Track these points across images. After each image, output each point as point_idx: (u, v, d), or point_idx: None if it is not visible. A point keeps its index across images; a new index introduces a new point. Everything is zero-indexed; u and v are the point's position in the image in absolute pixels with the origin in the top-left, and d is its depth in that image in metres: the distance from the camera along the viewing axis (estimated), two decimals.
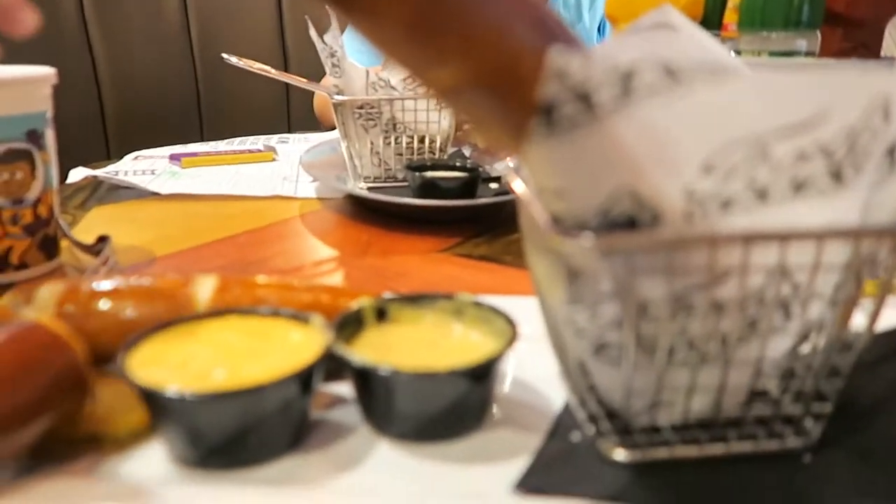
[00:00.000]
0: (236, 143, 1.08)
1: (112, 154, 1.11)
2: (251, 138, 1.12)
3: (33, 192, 0.53)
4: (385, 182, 0.79)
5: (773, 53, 0.55)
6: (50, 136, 0.54)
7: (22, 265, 0.53)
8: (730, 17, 0.58)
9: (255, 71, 0.79)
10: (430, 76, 0.22)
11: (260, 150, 0.97)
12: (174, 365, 0.32)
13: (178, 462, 0.31)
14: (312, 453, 0.32)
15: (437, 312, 0.38)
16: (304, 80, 0.83)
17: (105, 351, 0.34)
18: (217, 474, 0.30)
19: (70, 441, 0.31)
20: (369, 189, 0.76)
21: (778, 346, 0.30)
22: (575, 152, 0.22)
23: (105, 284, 0.37)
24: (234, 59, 0.79)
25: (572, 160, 0.22)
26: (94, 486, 0.29)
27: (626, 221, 0.25)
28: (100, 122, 1.25)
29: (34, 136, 0.52)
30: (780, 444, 0.32)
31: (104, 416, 0.31)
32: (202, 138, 1.29)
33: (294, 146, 1.05)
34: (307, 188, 0.81)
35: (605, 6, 0.71)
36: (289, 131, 1.31)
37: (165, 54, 1.33)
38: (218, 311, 0.36)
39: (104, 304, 0.36)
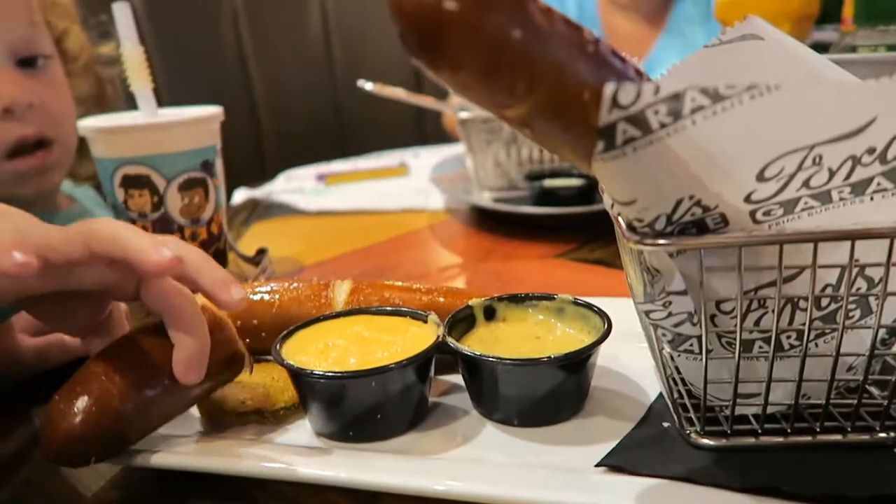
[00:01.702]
0: (374, 159, 1.17)
1: (268, 173, 1.24)
2: (388, 153, 1.22)
3: (207, 213, 0.63)
4: (507, 192, 0.83)
5: (890, 48, 0.53)
6: (219, 165, 0.64)
7: None
8: (848, 11, 0.57)
9: (388, 96, 0.87)
10: (504, 113, 0.26)
11: (394, 167, 1.06)
12: (317, 353, 0.38)
13: (320, 434, 0.37)
14: (430, 431, 0.37)
15: (540, 311, 0.42)
16: (433, 99, 0.90)
17: (265, 343, 0.42)
18: (351, 446, 0.36)
19: (240, 415, 0.38)
20: (492, 199, 0.81)
21: (861, 341, 0.32)
22: (636, 168, 0.26)
23: (261, 294, 0.45)
24: (368, 86, 0.88)
25: (635, 175, 0.26)
26: (258, 450, 0.36)
27: (696, 225, 0.28)
28: (258, 146, 1.40)
29: (207, 166, 0.62)
30: (870, 436, 0.33)
31: (264, 395, 0.39)
32: (345, 154, 1.41)
33: (425, 160, 1.12)
34: (436, 200, 0.87)
35: (716, 10, 0.71)
36: (424, 143, 1.39)
37: (311, 82, 1.47)
38: (352, 310, 0.43)
39: (265, 311, 0.44)
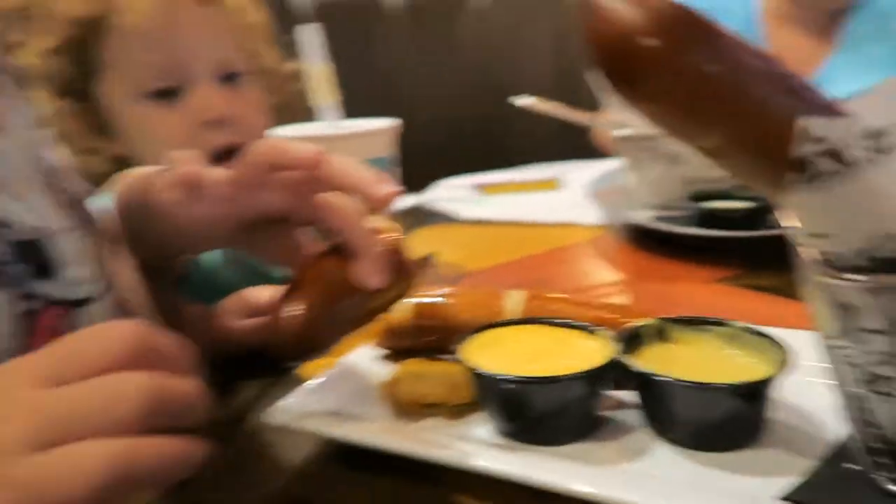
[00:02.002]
0: (530, 171, 1.19)
1: (430, 181, 1.30)
2: (543, 166, 1.23)
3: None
4: (667, 210, 0.82)
5: None
6: (396, 175, 0.69)
7: None
8: None
9: (539, 111, 0.89)
10: (699, 142, 0.27)
11: (549, 179, 1.07)
12: (494, 356, 0.41)
13: (496, 432, 0.40)
14: (601, 442, 0.38)
15: (713, 336, 0.42)
16: (588, 115, 0.91)
17: (440, 343, 0.45)
18: (524, 447, 0.38)
19: (422, 407, 0.42)
20: (651, 218, 0.80)
21: None
22: (832, 201, 0.26)
23: (442, 297, 0.48)
24: (522, 101, 0.90)
25: (830, 208, 0.26)
26: (439, 438, 0.39)
27: (892, 261, 0.28)
28: (421, 155, 1.47)
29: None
30: None
31: (444, 392, 0.42)
32: (493, 166, 1.44)
33: (578, 174, 1.13)
34: (592, 215, 0.88)
35: None
36: (576, 157, 1.39)
37: (461, 91, 1.52)
38: (525, 319, 0.45)
39: (444, 312, 0.47)
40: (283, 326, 0.38)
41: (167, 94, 0.70)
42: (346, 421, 0.41)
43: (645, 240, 0.77)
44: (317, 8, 1.39)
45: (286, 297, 0.38)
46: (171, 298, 0.55)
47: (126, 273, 0.54)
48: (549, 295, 0.48)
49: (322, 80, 0.66)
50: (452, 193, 1.05)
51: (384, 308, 0.42)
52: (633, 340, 0.42)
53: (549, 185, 1.06)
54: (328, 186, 0.40)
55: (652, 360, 0.41)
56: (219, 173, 0.41)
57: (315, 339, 0.39)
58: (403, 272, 0.41)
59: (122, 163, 0.76)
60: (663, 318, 0.43)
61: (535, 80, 1.55)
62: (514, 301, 0.48)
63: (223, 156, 0.74)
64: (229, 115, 0.71)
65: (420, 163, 1.49)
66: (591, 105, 1.13)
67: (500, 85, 1.53)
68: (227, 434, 0.44)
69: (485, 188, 1.03)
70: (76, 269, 0.43)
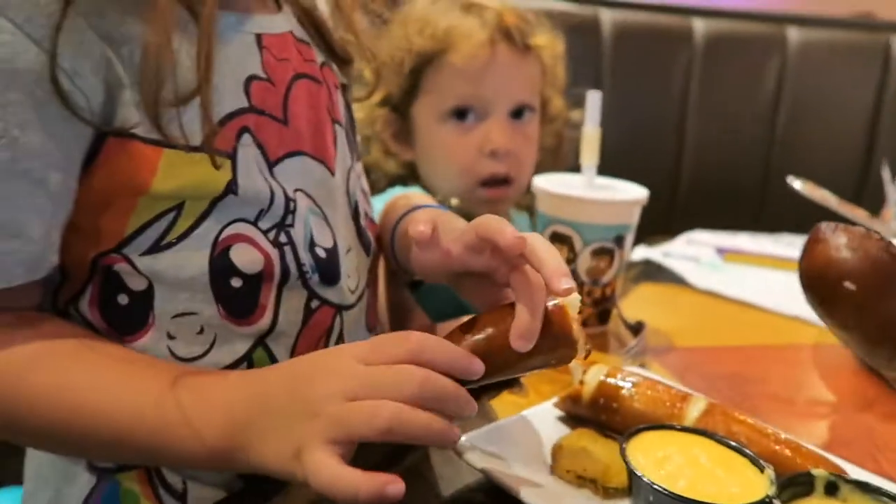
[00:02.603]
0: (784, 242, 1.14)
1: (675, 224, 1.29)
2: (799, 240, 1.16)
3: (606, 277, 0.73)
4: None
5: None
6: (629, 239, 0.73)
7: (583, 324, 0.74)
8: None
9: (816, 199, 0.85)
10: (880, 369, 0.28)
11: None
12: (655, 460, 0.45)
13: None
14: None
15: None
16: (866, 213, 0.85)
17: (615, 426, 0.50)
18: None
19: (578, 478, 0.47)
20: None
21: None
22: None
23: (629, 382, 0.52)
24: (797, 184, 0.87)
25: None
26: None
27: None
28: (671, 195, 1.46)
29: (620, 240, 0.72)
30: None
31: (600, 471, 0.47)
32: (759, 222, 1.38)
33: None
34: None
35: None
36: None
37: (747, 143, 1.46)
38: (698, 430, 0.48)
39: (624, 399, 0.52)
40: None
41: (465, 118, 0.84)
42: (506, 465, 0.48)
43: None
44: (617, 26, 1.43)
45: (460, 328, 0.46)
46: (406, 300, 0.67)
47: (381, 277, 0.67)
48: (735, 414, 0.50)
49: (591, 142, 0.73)
50: (691, 251, 1.05)
51: (536, 368, 0.47)
52: (796, 486, 0.43)
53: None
54: (525, 262, 0.47)
55: None
56: (448, 237, 0.50)
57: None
58: (563, 341, 0.46)
59: (410, 168, 0.91)
60: (839, 475, 0.44)
61: (829, 146, 1.44)
62: (697, 408, 0.51)
63: (491, 182, 0.86)
64: (510, 149, 0.83)
65: (679, 207, 1.48)
66: (876, 200, 1.04)
67: (790, 142, 1.45)
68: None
69: (726, 254, 1.01)
70: (349, 281, 0.56)
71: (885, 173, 0.75)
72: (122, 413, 0.42)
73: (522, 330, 0.43)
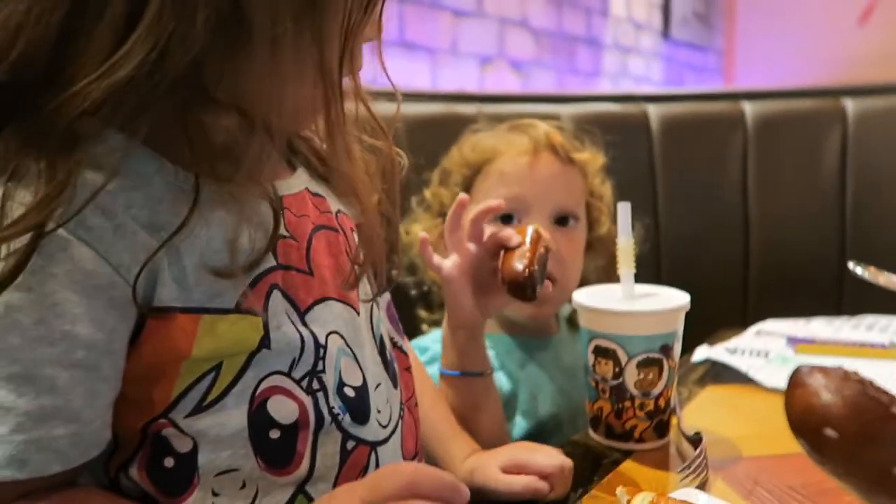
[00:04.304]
0: (863, 327, 1.07)
1: (749, 316, 1.24)
2: (883, 321, 1.09)
3: (658, 389, 0.71)
4: None
5: None
6: (677, 347, 0.72)
7: (640, 440, 0.72)
8: None
9: (880, 284, 0.81)
10: None
11: (883, 346, 0.95)
12: None
13: None
14: None
15: None
16: None
17: None
18: None
19: None
20: None
21: None
22: None
23: None
24: (859, 270, 0.83)
25: None
26: None
27: None
28: (742, 286, 1.41)
29: (666, 349, 0.71)
30: None
31: None
32: (840, 307, 1.31)
33: None
34: None
35: None
36: None
37: (816, 221, 1.40)
38: None
39: None
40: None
41: (508, 220, 0.87)
42: None
43: None
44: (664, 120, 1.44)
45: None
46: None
47: None
48: None
49: (626, 252, 0.73)
50: (760, 344, 1.00)
51: None
52: None
53: (886, 353, 0.94)
54: None
55: None
56: None
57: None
58: None
59: None
60: None
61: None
62: None
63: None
64: (553, 246, 0.84)
65: (752, 294, 1.42)
66: None
67: (863, 217, 1.39)
68: None
69: (798, 346, 0.96)
70: (381, 416, 0.58)
71: None
72: None
73: None
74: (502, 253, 0.71)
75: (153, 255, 0.45)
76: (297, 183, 0.58)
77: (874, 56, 3.44)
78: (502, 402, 0.81)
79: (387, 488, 0.44)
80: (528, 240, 0.70)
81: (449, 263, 0.74)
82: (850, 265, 0.84)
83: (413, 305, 1.00)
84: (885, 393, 0.27)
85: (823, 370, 0.27)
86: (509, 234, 0.72)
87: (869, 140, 1.41)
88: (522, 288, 0.67)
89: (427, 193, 0.96)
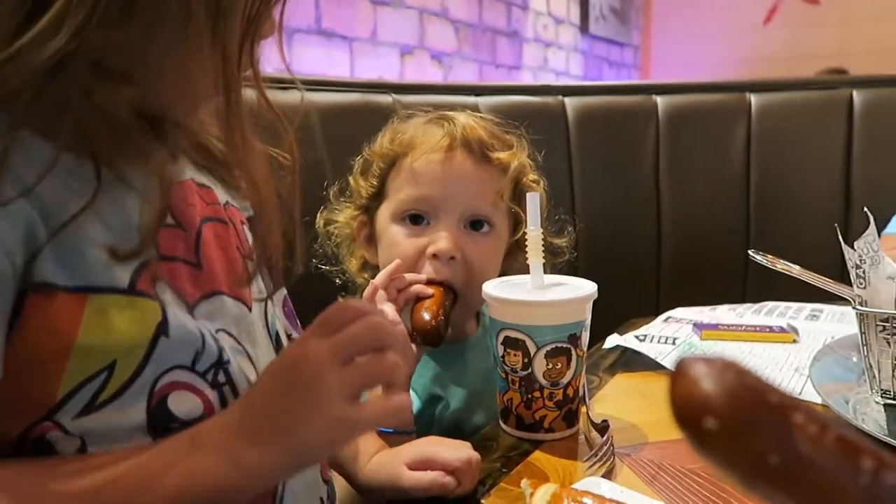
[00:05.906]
0: (764, 312, 1.12)
1: (661, 304, 1.27)
2: (781, 307, 1.14)
3: (566, 378, 0.71)
4: None
5: None
6: (585, 337, 0.72)
7: (549, 429, 0.72)
8: None
9: (780, 270, 0.84)
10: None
11: (782, 330, 0.99)
12: None
13: None
14: None
15: None
16: (834, 282, 0.83)
17: None
18: None
19: None
20: (885, 405, 0.72)
21: None
22: None
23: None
24: (758, 258, 0.86)
25: None
26: None
27: None
28: (654, 275, 1.45)
29: (574, 338, 0.71)
30: None
31: None
32: (744, 295, 1.36)
33: (823, 325, 1.03)
34: (811, 389, 0.80)
35: None
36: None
37: (723, 211, 1.46)
38: None
39: None
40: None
41: (418, 220, 0.84)
42: None
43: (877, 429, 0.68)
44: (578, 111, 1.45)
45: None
46: None
47: None
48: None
49: (535, 242, 0.73)
50: (669, 331, 1.02)
51: None
52: None
53: (784, 338, 0.98)
54: None
55: None
56: None
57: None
58: None
59: (368, 267, 0.91)
60: None
61: (805, 206, 1.43)
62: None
63: (438, 282, 0.84)
64: (447, 255, 0.81)
65: (671, 280, 1.46)
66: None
67: (767, 208, 1.44)
68: None
69: (703, 332, 0.99)
70: None
71: (871, 228, 0.74)
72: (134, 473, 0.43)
73: None
74: (412, 304, 0.79)
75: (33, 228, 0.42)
76: (180, 172, 0.55)
77: (778, 54, 3.63)
78: (413, 419, 0.78)
79: (339, 320, 0.47)
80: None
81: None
82: (751, 252, 0.87)
83: (335, 294, 0.97)
84: (763, 382, 0.26)
85: (706, 360, 0.26)
86: (420, 289, 0.79)
87: (772, 132, 1.47)
88: (430, 336, 0.76)
89: (351, 180, 0.93)
